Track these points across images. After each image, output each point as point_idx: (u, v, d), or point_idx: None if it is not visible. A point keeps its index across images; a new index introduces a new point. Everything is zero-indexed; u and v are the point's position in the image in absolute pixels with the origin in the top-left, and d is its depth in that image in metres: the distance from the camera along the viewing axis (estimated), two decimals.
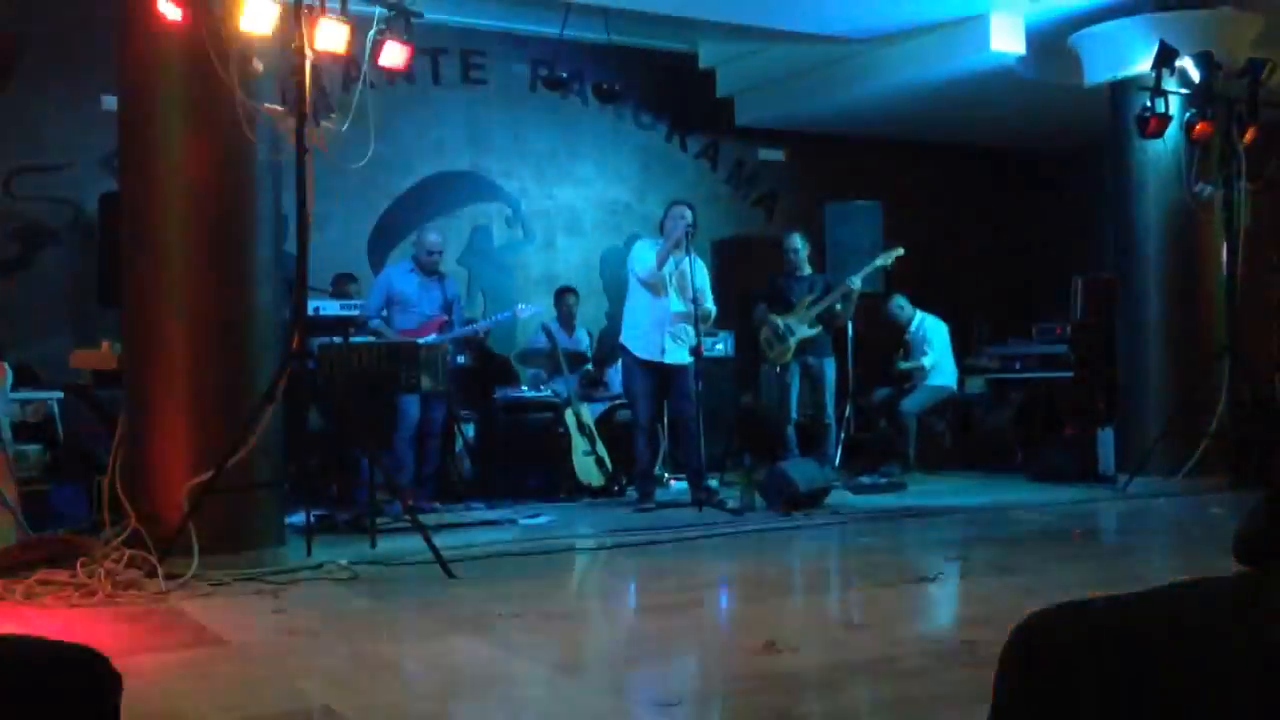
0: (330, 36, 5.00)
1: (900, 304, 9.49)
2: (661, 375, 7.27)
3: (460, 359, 8.04)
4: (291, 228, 5.28)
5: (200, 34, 4.87)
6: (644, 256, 7.29)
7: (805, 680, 3.27)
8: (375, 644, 3.80)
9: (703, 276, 7.38)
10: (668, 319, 7.19)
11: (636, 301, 7.37)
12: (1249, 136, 7.55)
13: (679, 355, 7.18)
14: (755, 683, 3.27)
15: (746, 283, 9.12)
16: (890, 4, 8.23)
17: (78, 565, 4.73)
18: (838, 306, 8.24)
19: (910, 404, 9.14)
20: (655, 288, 7.24)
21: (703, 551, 5.78)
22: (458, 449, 8.19)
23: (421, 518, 5.44)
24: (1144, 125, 7.48)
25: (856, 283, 8.20)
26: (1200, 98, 7.53)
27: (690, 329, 7.12)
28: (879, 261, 8.39)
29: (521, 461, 8.01)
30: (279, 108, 5.12)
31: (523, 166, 9.77)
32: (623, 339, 7.42)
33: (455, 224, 9.36)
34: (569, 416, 7.84)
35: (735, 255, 10.20)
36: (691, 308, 7.09)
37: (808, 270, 8.48)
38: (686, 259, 7.23)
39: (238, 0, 4.79)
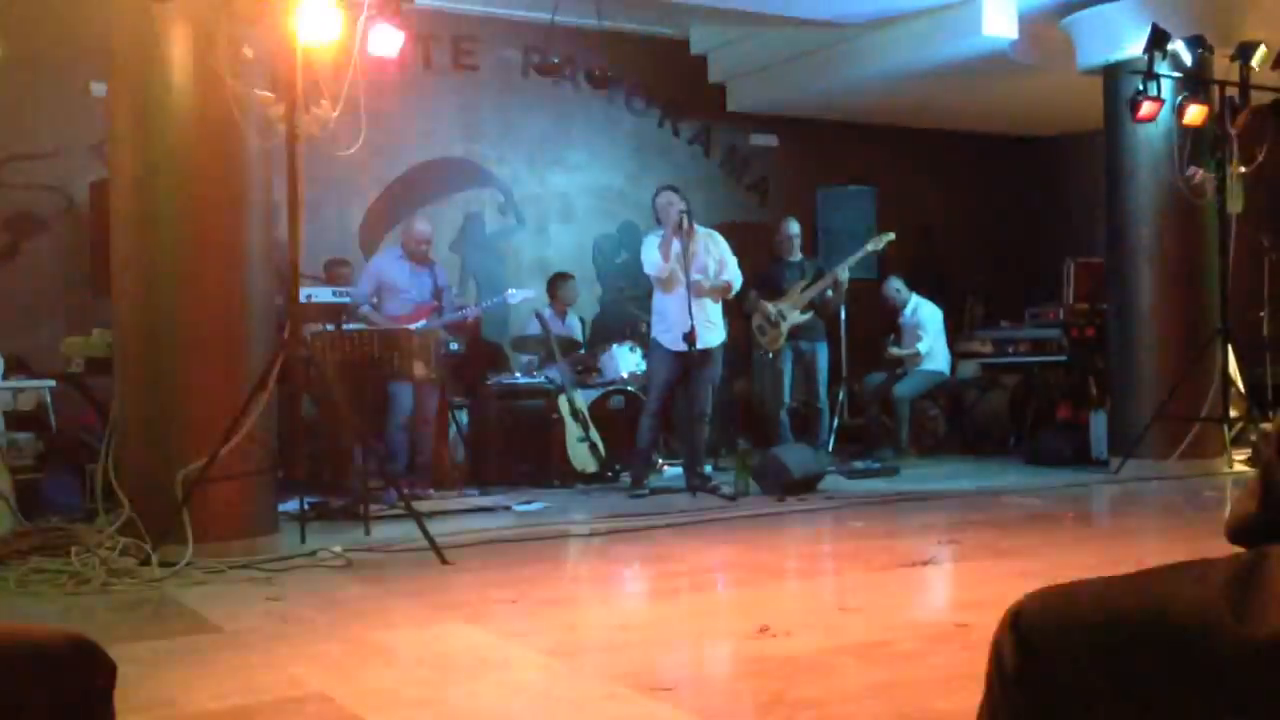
0: (321, 23, 4.98)
1: (897, 287, 9.48)
2: (686, 362, 7.22)
3: (453, 346, 8.03)
4: (283, 214, 5.27)
5: (190, 20, 4.85)
6: (649, 254, 7.27)
7: (799, 664, 3.28)
8: (369, 630, 3.80)
9: (722, 248, 7.44)
10: (688, 307, 7.14)
11: (658, 295, 7.38)
12: (1240, 120, 7.56)
13: (706, 340, 7.17)
14: (749, 667, 3.28)
15: (740, 268, 9.10)
16: None
17: (72, 553, 4.73)
18: (828, 293, 8.26)
19: (903, 389, 9.15)
20: (668, 281, 7.22)
21: (697, 537, 5.79)
22: (451, 436, 8.19)
23: (415, 504, 5.44)
24: (1136, 109, 7.48)
25: (844, 273, 8.22)
26: (1192, 81, 7.53)
27: (718, 308, 7.26)
28: (869, 247, 8.41)
29: (515, 448, 8.01)
30: (270, 94, 5.10)
31: (515, 152, 9.73)
32: (654, 333, 7.44)
33: (447, 210, 9.33)
34: (562, 403, 7.82)
35: (728, 240, 10.16)
36: (706, 283, 7.16)
37: (798, 256, 8.48)
38: (700, 241, 7.24)
39: None
